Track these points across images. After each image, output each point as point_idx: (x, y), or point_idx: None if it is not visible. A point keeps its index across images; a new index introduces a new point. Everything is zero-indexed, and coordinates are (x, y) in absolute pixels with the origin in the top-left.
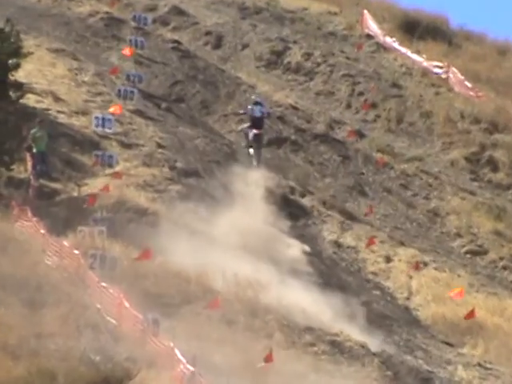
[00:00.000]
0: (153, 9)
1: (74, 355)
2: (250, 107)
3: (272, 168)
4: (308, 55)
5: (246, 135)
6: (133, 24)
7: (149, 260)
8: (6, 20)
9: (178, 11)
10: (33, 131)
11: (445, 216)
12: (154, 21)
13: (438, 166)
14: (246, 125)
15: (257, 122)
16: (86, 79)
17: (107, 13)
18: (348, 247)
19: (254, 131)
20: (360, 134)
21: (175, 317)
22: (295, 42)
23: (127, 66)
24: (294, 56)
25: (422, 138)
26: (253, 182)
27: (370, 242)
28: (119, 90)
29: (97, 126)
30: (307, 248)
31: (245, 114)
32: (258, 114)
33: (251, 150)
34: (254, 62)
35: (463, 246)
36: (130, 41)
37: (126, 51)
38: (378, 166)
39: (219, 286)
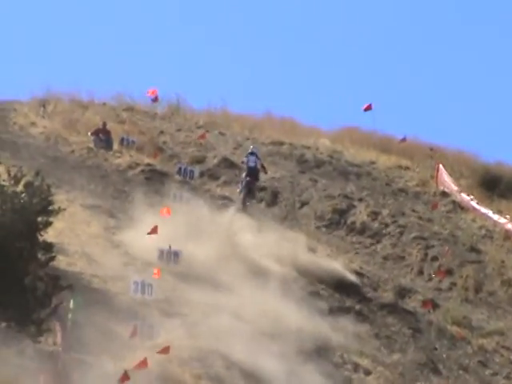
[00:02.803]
0: (200, 161)
1: None
2: (245, 158)
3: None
4: (375, 214)
5: (241, 182)
6: (178, 177)
7: None
8: (35, 173)
9: (229, 163)
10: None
11: None
12: (202, 174)
13: None
14: (243, 174)
15: (251, 172)
16: (123, 239)
17: (149, 165)
18: None
19: (247, 178)
20: (433, 304)
21: None
22: (361, 200)
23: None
24: (360, 215)
25: (503, 310)
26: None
27: None
28: (161, 252)
29: (135, 291)
30: None
31: (244, 162)
32: (251, 164)
33: (241, 196)
34: (314, 221)
35: None
36: (175, 196)
37: (164, 211)
38: (453, 340)
39: None
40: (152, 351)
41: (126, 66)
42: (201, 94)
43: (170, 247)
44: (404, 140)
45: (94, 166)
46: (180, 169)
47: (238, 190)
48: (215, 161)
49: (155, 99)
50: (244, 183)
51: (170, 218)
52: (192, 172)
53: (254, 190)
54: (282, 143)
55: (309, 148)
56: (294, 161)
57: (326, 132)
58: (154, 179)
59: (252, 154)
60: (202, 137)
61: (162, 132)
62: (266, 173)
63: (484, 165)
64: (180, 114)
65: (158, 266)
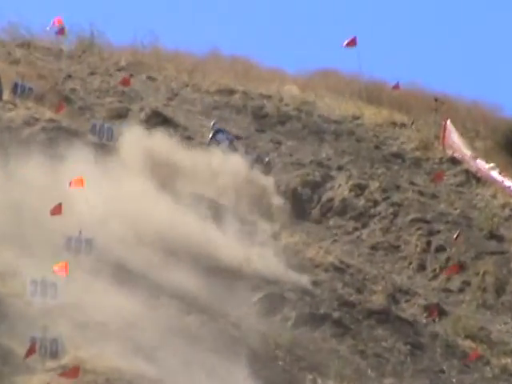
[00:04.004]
0: (122, 115)
1: None
2: (212, 137)
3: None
4: (360, 189)
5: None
6: (91, 138)
7: None
8: None
9: (161, 119)
10: None
11: None
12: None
13: None
14: None
15: None
16: None
17: (52, 120)
18: None
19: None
20: (439, 311)
21: None
22: (340, 169)
23: None
24: (339, 190)
25: None
26: None
27: None
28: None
29: (34, 294)
30: None
31: (211, 143)
32: (226, 143)
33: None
34: (277, 198)
35: None
36: (87, 163)
37: (73, 184)
38: (466, 359)
39: None
40: (56, 374)
41: None
42: (123, 25)
43: (80, 233)
44: (397, 87)
45: None
46: (94, 127)
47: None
48: (142, 115)
49: (60, 31)
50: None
51: (81, 193)
52: (110, 131)
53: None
54: (232, 91)
55: (269, 98)
56: (250, 115)
57: (293, 77)
58: (59, 140)
59: (218, 131)
60: (125, 82)
61: (69, 76)
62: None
63: (508, 121)
64: (94, 52)
65: (63, 258)
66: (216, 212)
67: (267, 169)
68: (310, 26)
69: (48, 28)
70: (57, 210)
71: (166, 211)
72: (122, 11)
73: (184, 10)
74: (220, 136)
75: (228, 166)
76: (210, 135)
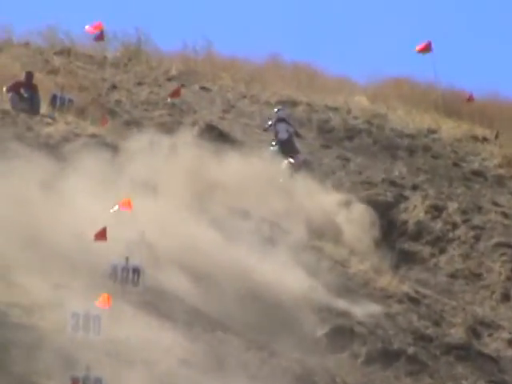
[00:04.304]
0: (173, 129)
1: None
2: (270, 125)
3: None
4: (437, 210)
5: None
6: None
7: None
8: None
9: (216, 133)
10: None
11: None
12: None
13: None
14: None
15: (284, 147)
16: None
17: (94, 136)
18: None
19: (290, 160)
20: None
21: None
22: (415, 188)
23: None
24: (414, 212)
25: None
26: None
27: None
28: None
29: (75, 328)
30: None
31: (267, 130)
32: (283, 135)
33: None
34: (346, 220)
35: None
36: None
37: (123, 204)
38: None
39: None
40: None
41: None
42: (173, 30)
43: (126, 260)
44: (471, 99)
45: (12, 138)
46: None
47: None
48: (195, 130)
49: (99, 37)
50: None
51: (128, 216)
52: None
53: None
54: (294, 103)
55: (336, 110)
56: (314, 129)
57: (362, 86)
58: (103, 157)
59: (281, 120)
60: (176, 94)
61: (113, 87)
62: (298, 136)
63: None
64: (141, 60)
65: (108, 289)
66: (274, 237)
67: (333, 187)
68: (380, 29)
69: (86, 33)
70: (101, 234)
71: (218, 238)
72: (171, 14)
73: (241, 13)
74: (280, 125)
75: (291, 184)
76: (270, 122)
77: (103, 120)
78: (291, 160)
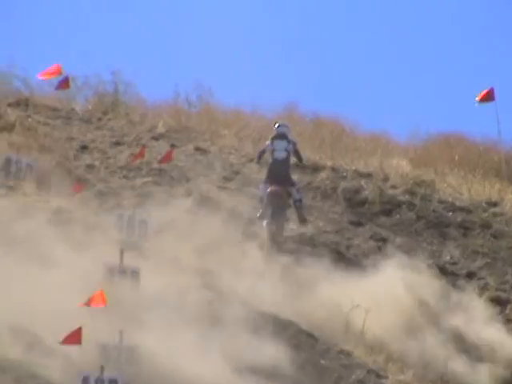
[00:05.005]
0: (163, 203)
1: None
2: (269, 143)
3: None
4: (499, 304)
5: (261, 198)
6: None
7: None
8: None
9: (216, 207)
10: None
11: None
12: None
13: None
14: (263, 180)
15: (277, 170)
16: None
17: (60, 211)
18: None
19: (270, 188)
20: None
21: None
22: (470, 276)
23: None
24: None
25: None
26: None
27: None
28: None
29: None
30: None
31: (261, 156)
32: (279, 154)
33: (265, 223)
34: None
35: None
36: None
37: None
38: None
39: None
40: None
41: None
42: (160, 74)
43: (102, 370)
44: None
45: None
46: (121, 219)
47: (258, 215)
48: (188, 202)
49: (63, 84)
50: (266, 199)
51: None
52: (144, 224)
53: (285, 208)
54: (316, 167)
55: (369, 176)
56: (342, 201)
57: (402, 146)
58: (69, 236)
59: (281, 136)
60: (167, 158)
61: (84, 148)
62: (300, 162)
63: None
64: (120, 114)
65: None
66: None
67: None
68: (425, 74)
69: (45, 76)
70: (73, 337)
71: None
72: (158, 54)
73: (247, 53)
74: (278, 143)
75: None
76: (267, 142)
77: (76, 188)
78: (272, 188)
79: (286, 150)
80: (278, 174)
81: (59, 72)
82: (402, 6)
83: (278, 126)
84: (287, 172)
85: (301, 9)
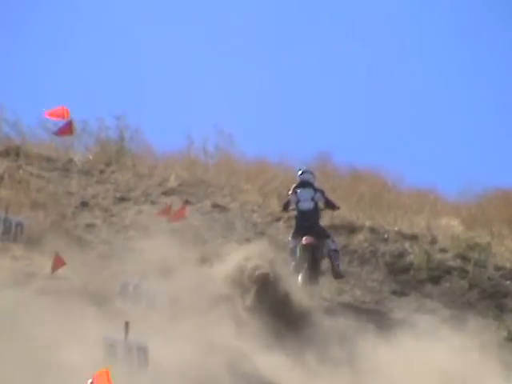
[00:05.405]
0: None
1: None
2: (291, 194)
3: None
4: None
5: (292, 251)
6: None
7: None
8: None
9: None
10: None
11: None
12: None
13: None
14: (291, 234)
15: (306, 222)
16: None
17: (56, 278)
18: None
19: (302, 241)
20: None
21: None
22: None
23: None
24: None
25: None
26: None
27: None
28: None
29: None
30: None
31: (286, 208)
32: (305, 205)
33: (300, 277)
34: None
35: None
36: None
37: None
38: None
39: None
40: None
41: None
42: (172, 120)
43: None
44: None
45: None
46: (126, 288)
47: (291, 268)
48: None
49: (66, 130)
50: (299, 252)
51: None
52: (152, 293)
53: (320, 260)
54: (352, 228)
55: (414, 238)
56: (382, 267)
57: (453, 204)
58: (70, 308)
59: (305, 184)
60: (180, 215)
61: (84, 204)
62: (335, 209)
63: None
64: (125, 166)
65: None
66: None
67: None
68: (479, 122)
69: (44, 123)
70: None
71: None
72: (170, 97)
73: (271, 97)
74: (304, 192)
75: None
76: (289, 193)
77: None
78: (304, 241)
79: (313, 199)
80: (308, 228)
81: (64, 115)
82: (456, 52)
83: (302, 173)
84: (317, 223)
85: (333, 46)
